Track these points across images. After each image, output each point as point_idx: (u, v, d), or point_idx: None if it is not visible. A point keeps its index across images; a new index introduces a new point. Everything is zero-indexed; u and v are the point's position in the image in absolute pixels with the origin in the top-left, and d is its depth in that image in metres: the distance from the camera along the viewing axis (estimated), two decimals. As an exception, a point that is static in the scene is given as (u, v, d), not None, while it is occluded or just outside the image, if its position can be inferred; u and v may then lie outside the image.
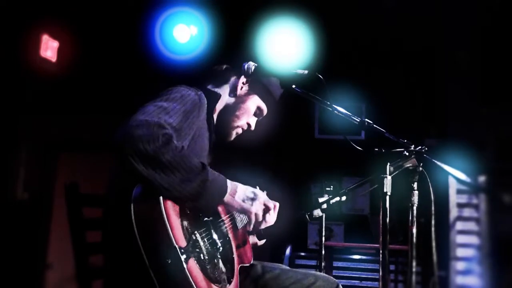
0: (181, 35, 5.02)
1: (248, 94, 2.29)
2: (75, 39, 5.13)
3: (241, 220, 2.27)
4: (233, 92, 2.28)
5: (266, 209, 2.09)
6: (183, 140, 1.89)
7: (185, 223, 1.79)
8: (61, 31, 5.10)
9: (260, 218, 2.01)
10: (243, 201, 1.95)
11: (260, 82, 2.28)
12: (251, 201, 1.97)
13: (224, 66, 2.32)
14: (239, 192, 1.95)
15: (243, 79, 2.27)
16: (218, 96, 2.24)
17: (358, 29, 4.89)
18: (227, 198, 1.90)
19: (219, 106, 2.26)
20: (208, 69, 2.38)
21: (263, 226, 2.15)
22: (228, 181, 1.91)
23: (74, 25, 5.07)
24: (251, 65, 2.14)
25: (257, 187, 2.55)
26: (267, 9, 4.77)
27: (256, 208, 1.98)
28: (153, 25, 5.05)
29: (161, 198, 1.70)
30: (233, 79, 2.30)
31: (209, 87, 2.28)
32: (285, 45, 4.79)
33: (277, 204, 2.26)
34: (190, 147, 1.97)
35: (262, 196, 2.04)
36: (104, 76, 5.30)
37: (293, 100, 2.37)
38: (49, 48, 5.03)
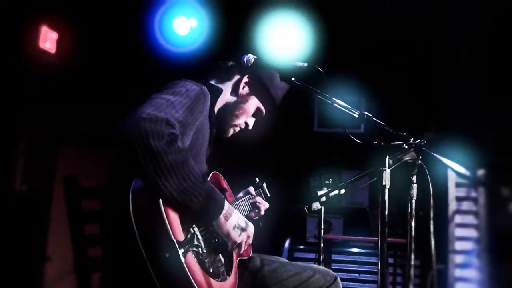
0: (180, 28, 5.00)
1: (249, 94, 2.30)
2: (74, 31, 5.10)
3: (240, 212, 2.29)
4: (234, 91, 2.29)
5: (249, 240, 2.05)
6: (187, 134, 1.90)
7: (184, 217, 1.79)
8: (61, 22, 5.07)
9: (242, 249, 2.00)
10: (234, 228, 1.92)
11: (261, 83, 2.28)
12: (241, 230, 1.96)
13: (230, 63, 2.32)
14: (233, 217, 1.92)
15: (245, 79, 2.28)
16: (220, 92, 2.24)
17: (358, 22, 4.88)
18: (219, 220, 1.87)
19: (220, 102, 2.27)
20: (213, 63, 2.38)
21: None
22: (226, 204, 1.89)
23: (74, 16, 5.04)
24: (251, 57, 2.13)
25: (257, 179, 2.57)
26: (267, 2, 4.75)
27: (242, 239, 1.96)
28: (152, 18, 5.03)
29: (159, 191, 1.69)
30: (236, 77, 2.30)
31: (212, 82, 2.29)
32: (285, 38, 4.77)
33: (267, 204, 2.35)
34: (192, 141, 1.97)
35: (251, 228, 2.03)
36: (103, 68, 5.29)
37: (292, 93, 2.37)
38: (48, 40, 5.01)
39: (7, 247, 5.01)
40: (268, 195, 2.60)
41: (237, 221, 1.94)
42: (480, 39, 4.82)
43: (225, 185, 2.33)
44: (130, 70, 5.21)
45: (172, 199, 1.70)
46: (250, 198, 2.48)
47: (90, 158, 5.21)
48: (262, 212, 2.45)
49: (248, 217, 2.40)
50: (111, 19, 5.01)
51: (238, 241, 1.94)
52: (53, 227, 5.45)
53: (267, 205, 2.46)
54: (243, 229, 1.96)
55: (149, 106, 1.76)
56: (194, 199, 1.75)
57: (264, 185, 2.61)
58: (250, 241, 2.04)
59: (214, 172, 2.24)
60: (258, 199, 2.46)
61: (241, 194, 2.51)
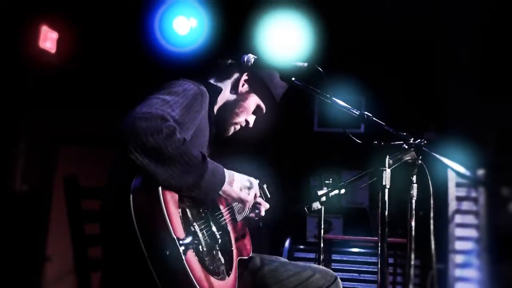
0: (180, 28, 5.00)
1: (249, 92, 2.29)
2: (74, 31, 5.10)
3: (240, 212, 2.29)
4: (234, 88, 2.28)
5: (261, 196, 2.20)
6: (185, 134, 1.90)
7: (184, 215, 1.79)
8: (61, 22, 5.07)
9: (251, 204, 2.11)
10: (241, 189, 2.01)
11: (261, 81, 2.28)
12: (248, 190, 2.05)
13: (229, 61, 2.31)
14: (236, 181, 1.99)
15: (245, 76, 2.27)
16: (219, 91, 2.24)
17: (358, 22, 4.88)
18: (225, 187, 1.92)
19: (220, 101, 2.27)
20: (212, 61, 2.37)
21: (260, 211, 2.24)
22: (226, 170, 1.94)
23: (74, 16, 5.05)
24: (251, 57, 2.13)
25: (257, 180, 2.57)
26: (267, 2, 4.75)
27: (252, 195, 2.07)
28: (152, 17, 5.03)
29: (160, 189, 1.69)
30: (235, 75, 2.29)
31: (212, 80, 2.29)
32: (285, 38, 4.77)
33: (267, 205, 2.36)
34: (191, 140, 1.97)
35: (255, 183, 2.12)
36: (103, 68, 5.29)
37: (292, 93, 2.36)
38: (48, 40, 5.01)
39: (7, 247, 5.02)
40: (269, 196, 2.60)
41: (241, 182, 2.03)
42: (480, 39, 4.82)
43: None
44: (130, 70, 5.21)
45: (180, 186, 1.72)
46: None
47: (90, 158, 5.21)
48: (263, 213, 2.44)
49: (248, 218, 2.39)
50: (111, 19, 5.01)
51: (250, 199, 2.05)
52: (53, 227, 5.45)
53: (267, 206, 2.45)
54: (249, 188, 2.06)
55: (144, 105, 1.76)
56: (200, 180, 1.77)
57: (265, 186, 2.61)
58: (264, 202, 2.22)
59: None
60: (259, 199, 2.46)
61: None
